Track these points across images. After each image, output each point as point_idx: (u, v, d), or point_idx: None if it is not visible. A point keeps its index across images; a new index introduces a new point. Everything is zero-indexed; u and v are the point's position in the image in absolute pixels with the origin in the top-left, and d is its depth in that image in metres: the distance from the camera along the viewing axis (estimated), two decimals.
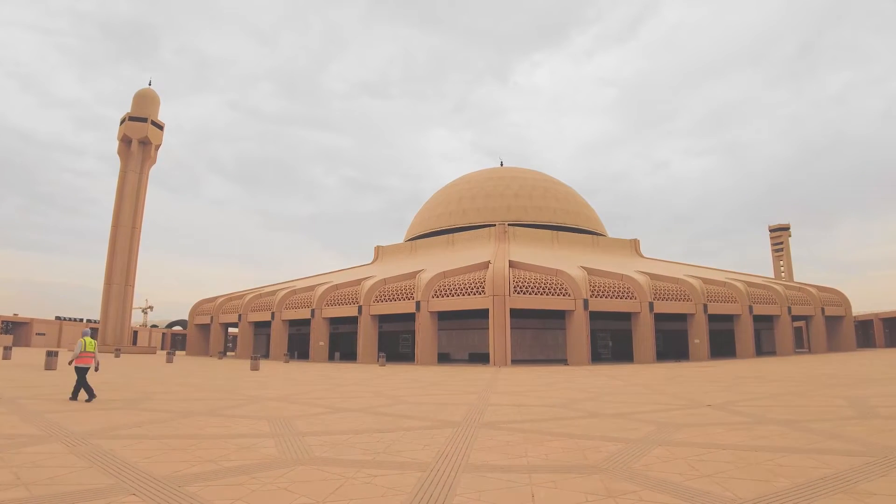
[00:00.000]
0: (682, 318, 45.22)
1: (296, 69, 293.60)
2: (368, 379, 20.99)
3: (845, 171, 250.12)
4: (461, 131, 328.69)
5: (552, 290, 39.01)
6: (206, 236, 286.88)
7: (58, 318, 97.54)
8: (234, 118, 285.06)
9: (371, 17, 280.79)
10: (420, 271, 44.05)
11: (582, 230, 65.59)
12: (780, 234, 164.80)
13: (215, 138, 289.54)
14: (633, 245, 66.93)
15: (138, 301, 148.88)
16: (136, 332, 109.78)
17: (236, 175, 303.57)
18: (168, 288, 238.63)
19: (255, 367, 28.11)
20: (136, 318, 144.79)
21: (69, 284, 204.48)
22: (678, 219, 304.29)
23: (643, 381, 19.34)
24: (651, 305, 41.51)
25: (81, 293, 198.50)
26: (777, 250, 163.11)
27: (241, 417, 9.36)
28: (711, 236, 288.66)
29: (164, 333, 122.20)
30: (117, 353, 48.45)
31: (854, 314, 59.56)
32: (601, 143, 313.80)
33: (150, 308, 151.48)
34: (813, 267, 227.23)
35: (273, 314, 51.83)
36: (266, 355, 55.92)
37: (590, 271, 42.50)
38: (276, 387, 16.57)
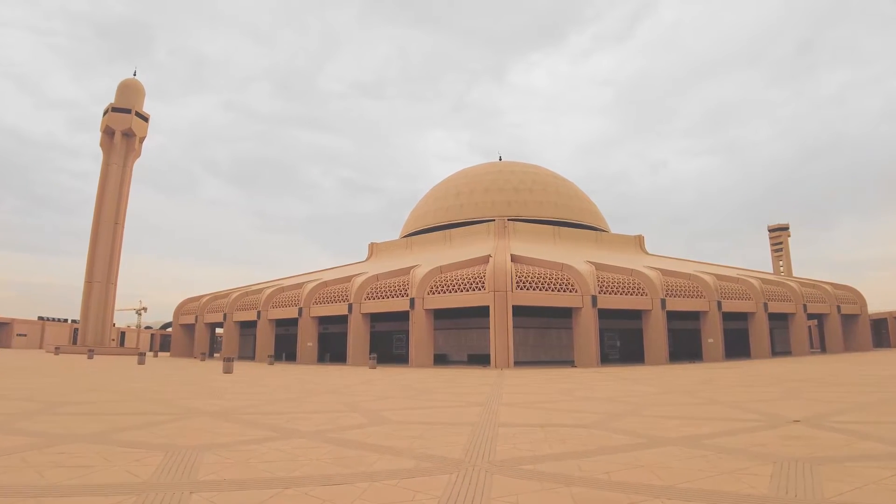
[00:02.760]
0: (692, 316, 42.29)
1: (292, 69, 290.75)
2: (351, 385, 17.90)
3: (844, 171, 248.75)
4: (458, 132, 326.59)
5: (558, 286, 35.96)
6: (203, 238, 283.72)
7: (40, 318, 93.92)
8: (230, 119, 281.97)
9: (367, 17, 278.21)
10: (415, 266, 40.94)
11: (584, 226, 62.57)
12: (779, 234, 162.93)
13: (211, 139, 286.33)
14: (638, 241, 63.94)
15: (133, 302, 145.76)
16: (123, 333, 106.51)
17: (233, 176, 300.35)
18: (165, 289, 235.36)
19: (227, 370, 24.98)
20: (131, 320, 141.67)
21: (65, 286, 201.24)
22: (676, 219, 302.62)
23: (676, 386, 16.31)
24: (663, 302, 38.54)
25: (77, 294, 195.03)
26: (777, 250, 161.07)
27: (133, 447, 6.29)
28: (710, 236, 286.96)
29: (152, 335, 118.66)
30: (90, 354, 45.21)
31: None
32: (599, 143, 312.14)
33: (145, 309, 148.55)
34: (812, 267, 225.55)
35: (259, 313, 48.68)
36: (252, 357, 52.70)
37: (597, 266, 39.47)
38: (232, 395, 13.49)
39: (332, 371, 28.86)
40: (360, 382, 19.03)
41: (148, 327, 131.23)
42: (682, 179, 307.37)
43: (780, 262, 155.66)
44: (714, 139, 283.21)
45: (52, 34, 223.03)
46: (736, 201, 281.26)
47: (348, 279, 43.69)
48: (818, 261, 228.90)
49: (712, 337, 40.99)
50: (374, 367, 32.29)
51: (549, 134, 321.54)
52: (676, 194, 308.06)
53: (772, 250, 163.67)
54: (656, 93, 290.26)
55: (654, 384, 17.16)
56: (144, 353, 36.23)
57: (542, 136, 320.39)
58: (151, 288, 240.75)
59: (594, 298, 35.85)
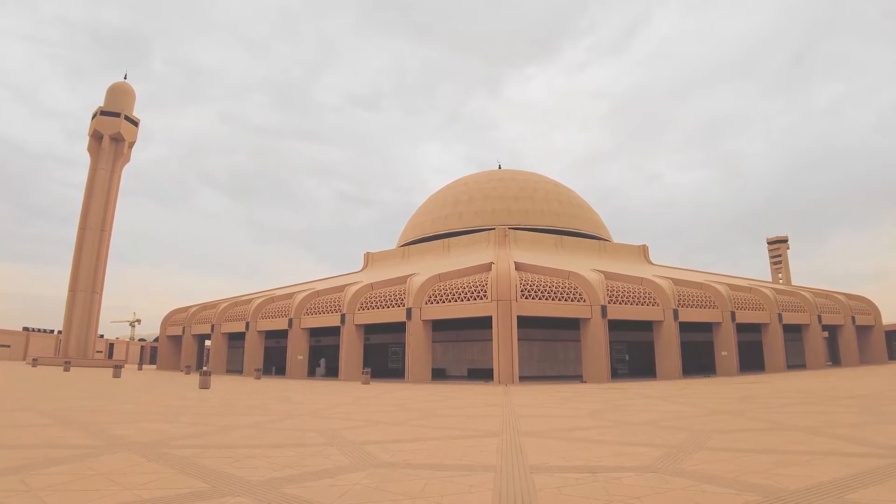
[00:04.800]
0: (701, 328, 40.00)
1: (288, 81, 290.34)
2: (338, 404, 15.51)
3: (838, 183, 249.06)
4: (454, 144, 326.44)
5: (565, 295, 33.66)
6: (201, 249, 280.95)
7: (25, 328, 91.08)
8: (226, 130, 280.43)
9: (363, 29, 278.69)
10: (412, 275, 38.60)
11: (587, 235, 60.40)
12: (778, 246, 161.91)
13: (208, 150, 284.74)
14: (642, 251, 61.74)
15: (126, 314, 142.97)
16: (112, 345, 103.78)
17: (230, 187, 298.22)
18: (162, 301, 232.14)
19: (204, 385, 22.56)
20: (124, 331, 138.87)
21: (58, 297, 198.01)
22: (671, 232, 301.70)
23: (716, 405, 14.00)
24: (675, 313, 36.27)
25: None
26: (776, 262, 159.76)
27: None
28: (705, 249, 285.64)
29: (142, 346, 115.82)
30: (67, 366, 42.54)
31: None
32: (594, 156, 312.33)
33: (138, 321, 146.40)
34: (809, 279, 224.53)
35: (247, 324, 46.17)
36: (241, 370, 50.08)
37: (605, 275, 37.21)
38: (188, 418, 11.12)
39: (321, 387, 26.44)
40: (349, 401, 16.65)
41: (142, 339, 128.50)
42: (677, 192, 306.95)
43: (780, 274, 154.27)
44: (709, 151, 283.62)
45: (48, 43, 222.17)
46: (731, 214, 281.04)
47: (341, 289, 41.32)
48: (814, 272, 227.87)
49: (726, 349, 38.71)
50: (368, 383, 29.85)
51: (545, 146, 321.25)
52: (671, 207, 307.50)
53: (771, 262, 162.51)
54: (651, 105, 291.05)
55: (688, 403, 14.87)
56: (120, 366, 33.66)
57: (538, 149, 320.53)
58: (149, 300, 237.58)
59: (604, 308, 33.55)
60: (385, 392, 21.70)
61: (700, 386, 24.01)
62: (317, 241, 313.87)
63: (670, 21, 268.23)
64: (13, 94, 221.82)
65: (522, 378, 32.97)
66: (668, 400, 16.15)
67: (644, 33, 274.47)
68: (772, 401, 15.13)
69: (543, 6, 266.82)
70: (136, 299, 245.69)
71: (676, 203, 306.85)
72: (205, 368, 25.61)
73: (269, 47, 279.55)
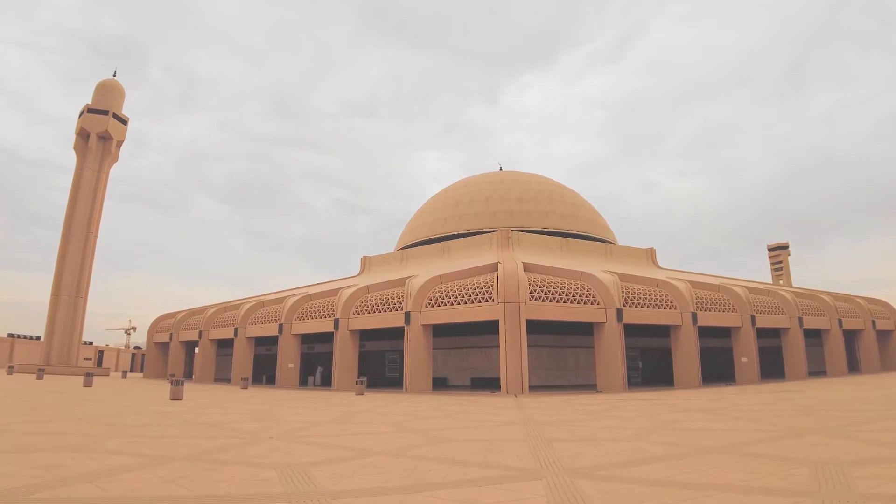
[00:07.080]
0: (717, 332, 37.52)
1: (285, 89, 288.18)
2: (320, 424, 12.91)
3: (836, 191, 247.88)
4: (451, 152, 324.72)
5: (577, 298, 31.13)
6: (198, 257, 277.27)
7: (10, 335, 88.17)
8: (223, 138, 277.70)
9: (360, 38, 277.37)
10: (411, 277, 36.05)
11: (593, 238, 57.97)
12: (778, 252, 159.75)
13: (205, 158, 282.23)
14: (650, 254, 59.25)
15: (122, 322, 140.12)
16: (101, 352, 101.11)
17: (227, 195, 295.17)
18: (158, 309, 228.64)
19: (175, 396, 19.95)
20: (120, 340, 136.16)
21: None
22: (669, 239, 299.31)
23: (783, 419, 11.45)
24: (694, 317, 33.82)
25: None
26: (776, 269, 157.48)
27: None
28: (702, 257, 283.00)
29: (133, 354, 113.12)
30: (40, 373, 39.75)
31: None
32: (591, 163, 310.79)
33: (133, 329, 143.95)
34: (809, 286, 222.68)
35: (236, 330, 43.51)
36: (230, 379, 47.33)
37: (620, 276, 34.72)
38: (112, 443, 8.55)
39: (310, 398, 23.79)
40: (337, 417, 14.04)
41: (137, 347, 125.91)
42: (674, 200, 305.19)
43: (781, 281, 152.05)
44: (706, 160, 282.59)
45: (45, 51, 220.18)
46: (728, 222, 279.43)
47: (335, 292, 38.72)
48: (812, 281, 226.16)
49: (746, 356, 36.25)
50: (363, 394, 27.17)
51: (542, 154, 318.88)
52: (669, 214, 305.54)
53: (772, 269, 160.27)
54: (648, 114, 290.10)
55: (744, 417, 12.33)
56: (92, 375, 30.97)
57: (536, 157, 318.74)
58: (145, 308, 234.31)
59: (619, 312, 31.02)
60: (381, 405, 19.08)
61: (733, 396, 21.44)
62: (314, 249, 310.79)
63: (667, 30, 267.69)
64: (11, 102, 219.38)
65: (531, 388, 30.37)
66: (715, 413, 13.58)
67: (641, 42, 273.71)
68: (845, 414, 12.59)
69: (540, 16, 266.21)
70: (133, 307, 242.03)
71: (674, 211, 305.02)
72: (177, 377, 22.94)
73: (267, 56, 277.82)
